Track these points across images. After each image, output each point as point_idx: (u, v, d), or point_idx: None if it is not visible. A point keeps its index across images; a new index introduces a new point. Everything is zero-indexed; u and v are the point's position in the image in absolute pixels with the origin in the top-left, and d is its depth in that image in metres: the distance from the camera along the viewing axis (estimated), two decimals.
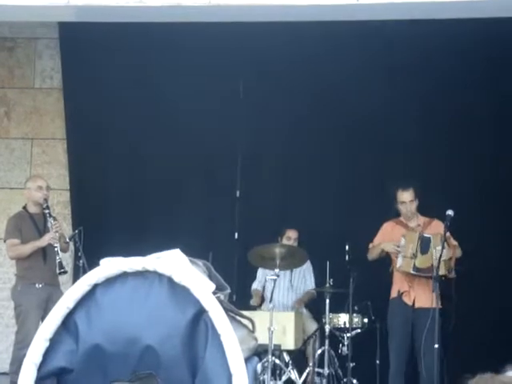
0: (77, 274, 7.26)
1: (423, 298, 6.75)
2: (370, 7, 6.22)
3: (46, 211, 7.01)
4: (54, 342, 2.51)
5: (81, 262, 6.85)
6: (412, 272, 6.82)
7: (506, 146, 8.02)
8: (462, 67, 7.98)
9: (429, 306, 6.57)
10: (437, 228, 6.84)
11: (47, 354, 2.50)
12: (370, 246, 7.19)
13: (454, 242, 6.89)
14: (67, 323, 2.53)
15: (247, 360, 2.58)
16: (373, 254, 7.14)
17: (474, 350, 7.59)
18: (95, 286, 2.56)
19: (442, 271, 6.53)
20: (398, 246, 6.89)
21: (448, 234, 6.70)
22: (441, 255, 6.47)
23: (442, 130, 8.17)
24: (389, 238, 7.06)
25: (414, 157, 8.17)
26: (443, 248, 6.51)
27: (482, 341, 7.66)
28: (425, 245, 6.79)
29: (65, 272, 6.99)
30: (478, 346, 7.62)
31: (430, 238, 6.77)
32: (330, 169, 8.35)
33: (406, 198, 7.02)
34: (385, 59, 8.06)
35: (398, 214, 7.24)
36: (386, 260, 7.22)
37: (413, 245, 6.81)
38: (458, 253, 6.90)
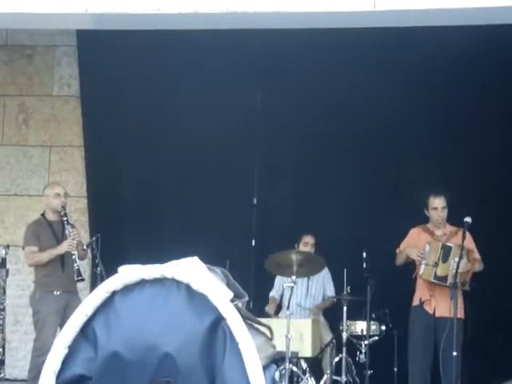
0: (94, 281, 7.28)
1: (444, 307, 6.72)
2: (386, 14, 6.21)
3: (64, 218, 7.03)
4: (73, 349, 2.52)
5: (98, 269, 6.87)
6: (432, 280, 6.80)
7: None
8: (473, 73, 7.94)
9: (449, 315, 6.55)
10: (467, 238, 6.80)
11: (66, 362, 2.50)
12: (397, 251, 7.17)
13: (477, 256, 6.85)
14: (86, 330, 2.53)
15: (265, 368, 2.57)
16: (399, 259, 7.13)
17: (491, 359, 7.54)
18: (114, 294, 2.56)
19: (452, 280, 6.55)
20: (422, 253, 6.87)
21: (473, 246, 6.70)
22: (458, 266, 6.45)
23: (457, 134, 8.13)
24: (414, 244, 7.04)
25: (429, 162, 8.14)
26: (461, 258, 6.48)
27: (498, 351, 7.60)
28: (446, 253, 6.78)
29: (82, 279, 7.00)
30: (495, 356, 7.57)
31: (451, 247, 6.75)
32: (346, 176, 8.33)
33: (439, 204, 7.01)
34: (399, 66, 8.04)
35: (423, 222, 7.20)
36: (404, 267, 7.19)
37: (435, 253, 6.79)
38: (478, 267, 6.86)
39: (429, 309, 6.85)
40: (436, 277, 6.77)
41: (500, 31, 6.80)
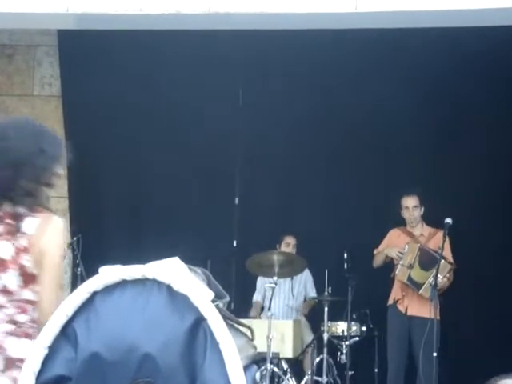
0: (75, 282, 7.26)
1: (416, 306, 6.77)
2: (368, 16, 6.23)
3: None
4: (53, 349, 2.50)
5: (79, 269, 6.87)
6: (406, 282, 6.83)
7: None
8: (464, 72, 7.97)
9: (421, 314, 6.61)
10: (440, 239, 6.81)
11: (46, 362, 2.49)
12: (375, 252, 7.20)
13: (451, 260, 6.81)
14: (66, 331, 2.52)
15: (246, 368, 2.57)
16: (377, 260, 7.15)
17: (469, 359, 7.58)
18: (94, 294, 2.55)
19: (426, 294, 6.57)
20: (402, 253, 6.88)
21: (448, 250, 6.70)
22: (435, 283, 6.45)
23: (445, 136, 8.16)
24: (394, 245, 7.06)
25: (415, 164, 8.18)
26: (438, 266, 6.48)
27: (477, 350, 7.65)
28: (426, 261, 6.74)
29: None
30: (474, 355, 7.61)
31: (435, 258, 6.66)
32: (328, 176, 8.36)
33: (410, 204, 7.02)
34: (384, 67, 8.07)
35: (403, 223, 7.23)
36: (384, 268, 7.22)
37: (412, 255, 6.80)
38: (445, 284, 6.79)
39: (401, 308, 6.90)
40: (409, 279, 6.79)
41: (485, 32, 6.83)
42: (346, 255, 7.25)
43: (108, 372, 2.48)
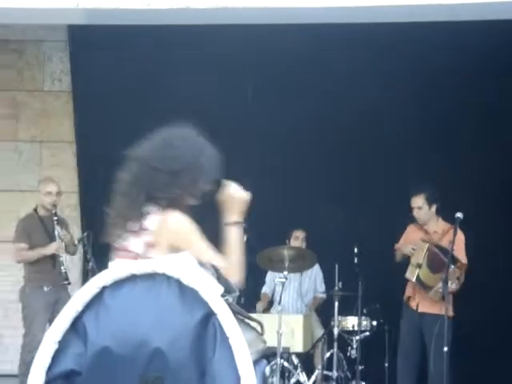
0: (85, 277, 7.28)
1: (427, 303, 6.73)
2: (380, 9, 6.21)
3: (54, 218, 7.00)
4: (63, 344, 2.51)
5: (90, 265, 6.87)
6: (414, 281, 6.79)
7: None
8: (462, 67, 7.94)
9: (432, 311, 6.59)
10: (456, 240, 6.74)
11: (56, 357, 2.50)
12: (395, 247, 7.16)
13: (463, 261, 6.70)
14: (76, 326, 2.53)
15: (256, 363, 2.57)
16: (397, 256, 7.11)
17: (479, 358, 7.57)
18: (104, 289, 2.56)
19: (436, 297, 6.56)
20: (414, 250, 6.83)
21: (462, 247, 6.63)
22: (446, 278, 6.41)
23: (454, 129, 8.14)
24: (409, 241, 7.00)
25: (425, 158, 8.15)
26: (447, 276, 6.42)
27: (487, 347, 7.63)
28: (434, 264, 6.69)
29: (69, 283, 6.97)
30: (484, 355, 7.60)
31: (444, 262, 6.62)
32: (337, 171, 8.34)
33: (414, 204, 6.94)
34: (391, 62, 8.05)
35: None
36: (395, 263, 7.19)
37: (420, 254, 6.74)
38: (454, 288, 6.72)
39: (413, 304, 6.86)
40: (418, 279, 6.74)
41: (481, 27, 6.80)
42: (356, 249, 7.23)
43: (118, 367, 2.49)
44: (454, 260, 6.53)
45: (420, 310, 6.80)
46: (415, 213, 6.93)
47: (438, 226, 6.96)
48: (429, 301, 6.69)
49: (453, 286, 6.54)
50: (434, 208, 6.92)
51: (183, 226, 2.98)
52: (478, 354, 7.61)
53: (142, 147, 3.08)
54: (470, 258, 6.82)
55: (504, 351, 7.53)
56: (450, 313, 6.58)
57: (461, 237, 6.66)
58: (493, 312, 7.75)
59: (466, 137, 8.12)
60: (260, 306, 7.87)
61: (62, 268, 6.89)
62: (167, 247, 2.85)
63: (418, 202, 6.91)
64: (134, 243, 2.90)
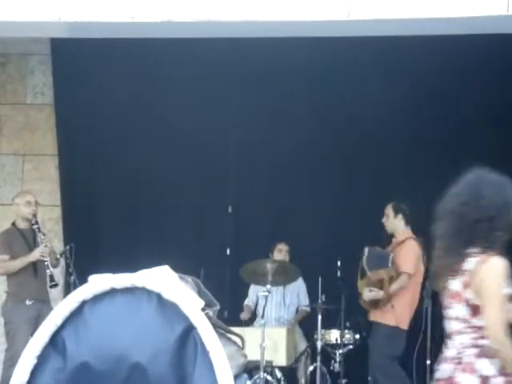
0: (68, 291, 7.23)
1: (377, 312, 6.82)
2: (360, 24, 6.23)
3: (35, 226, 7.00)
4: (42, 359, 2.50)
5: (72, 278, 6.85)
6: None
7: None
8: (461, 81, 7.95)
9: (378, 320, 6.76)
10: (402, 248, 6.83)
11: (35, 372, 2.48)
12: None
13: (404, 269, 6.77)
14: (55, 340, 2.51)
15: (236, 377, 2.56)
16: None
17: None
18: (83, 303, 2.55)
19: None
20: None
21: (407, 258, 6.71)
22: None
23: (435, 148, 8.15)
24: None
25: (405, 172, 8.16)
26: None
27: None
28: (362, 271, 6.87)
29: (56, 285, 6.97)
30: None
31: (381, 259, 6.75)
32: (321, 184, 8.34)
33: (385, 211, 7.08)
34: (377, 74, 8.07)
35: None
36: None
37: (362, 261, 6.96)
38: (395, 290, 6.75)
39: (369, 314, 6.96)
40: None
41: (475, 40, 6.84)
42: (339, 263, 7.24)
43: (97, 381, 2.48)
44: (392, 263, 6.70)
45: (371, 319, 6.89)
46: (383, 220, 7.06)
47: (399, 238, 6.99)
48: (375, 310, 6.79)
49: (371, 293, 6.64)
50: (399, 218, 6.98)
51: (492, 280, 3.16)
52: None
53: (452, 200, 3.34)
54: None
55: None
56: (392, 322, 6.63)
57: (414, 248, 6.74)
58: None
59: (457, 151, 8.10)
60: (244, 315, 7.87)
61: (48, 271, 6.88)
62: (474, 290, 3.13)
63: (386, 209, 7.03)
64: (453, 283, 3.21)
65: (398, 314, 6.63)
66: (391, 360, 6.56)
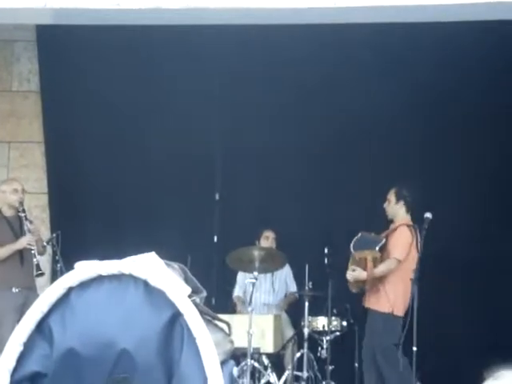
0: (54, 278, 7.21)
1: (371, 299, 6.84)
2: (346, 10, 6.23)
3: (22, 214, 6.98)
4: (28, 346, 2.49)
5: (58, 265, 6.83)
6: None
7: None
8: (450, 66, 7.96)
9: (371, 306, 6.80)
10: (395, 234, 6.84)
11: (21, 359, 2.47)
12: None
13: (394, 255, 6.78)
14: (41, 327, 2.50)
15: (223, 363, 2.56)
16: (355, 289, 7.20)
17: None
18: (70, 290, 2.54)
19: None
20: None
21: (399, 243, 6.71)
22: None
23: (421, 132, 8.17)
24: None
25: (392, 160, 8.18)
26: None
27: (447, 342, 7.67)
28: (359, 243, 6.93)
29: (42, 274, 6.95)
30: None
31: (369, 242, 6.79)
32: (308, 171, 8.36)
33: (387, 196, 7.08)
34: (364, 60, 8.08)
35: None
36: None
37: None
38: (379, 272, 6.78)
39: (364, 300, 6.97)
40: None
41: (470, 27, 6.84)
42: (326, 250, 7.25)
43: (84, 368, 2.47)
44: (381, 247, 6.72)
45: (366, 306, 6.90)
46: (384, 205, 7.05)
47: (395, 224, 6.98)
48: (373, 296, 6.79)
49: (354, 272, 6.71)
50: (400, 204, 6.97)
51: None
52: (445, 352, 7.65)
53: None
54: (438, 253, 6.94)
55: (472, 351, 7.57)
56: (386, 309, 6.65)
57: (405, 234, 6.73)
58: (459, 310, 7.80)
59: (444, 141, 8.12)
60: (239, 308, 7.87)
61: (35, 260, 6.86)
62: None
63: (389, 195, 7.03)
64: None
65: (392, 301, 6.63)
66: (392, 346, 6.56)
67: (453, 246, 7.63)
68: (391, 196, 7.02)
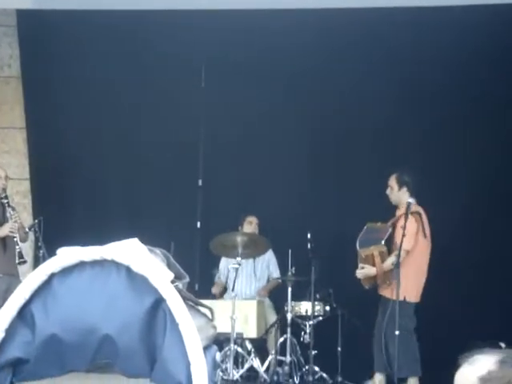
0: (37, 264, 7.18)
1: (382, 286, 6.83)
2: None
3: (5, 201, 6.94)
4: (10, 332, 2.49)
5: (41, 252, 6.81)
6: None
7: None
8: (453, 54, 7.93)
9: (384, 294, 6.72)
10: (401, 224, 6.79)
11: (3, 345, 2.47)
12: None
13: (404, 246, 6.69)
14: (23, 313, 2.50)
15: (206, 349, 2.57)
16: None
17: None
18: (52, 276, 2.54)
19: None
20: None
21: (409, 231, 6.69)
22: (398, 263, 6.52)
23: (402, 112, 8.15)
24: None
25: (375, 143, 8.18)
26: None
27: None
28: (364, 238, 6.86)
29: (24, 262, 6.93)
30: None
31: (374, 238, 6.76)
32: (290, 157, 8.35)
33: (388, 183, 7.03)
34: (344, 45, 8.05)
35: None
36: (347, 249, 7.22)
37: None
38: (388, 266, 6.70)
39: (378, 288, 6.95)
40: None
41: (466, 10, 6.81)
42: (309, 235, 7.26)
43: (67, 354, 2.47)
44: (387, 237, 6.69)
45: (380, 293, 6.88)
46: (387, 192, 7.01)
47: (400, 211, 6.90)
48: (384, 284, 6.79)
49: (363, 270, 6.70)
50: (403, 190, 6.93)
51: None
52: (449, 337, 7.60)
53: None
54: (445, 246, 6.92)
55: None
56: (403, 296, 6.64)
57: (411, 224, 6.68)
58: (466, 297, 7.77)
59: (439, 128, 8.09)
60: (214, 289, 7.89)
61: (17, 248, 6.83)
62: None
63: (390, 181, 7.00)
64: None
65: (403, 287, 6.59)
66: (408, 332, 6.57)
67: (453, 245, 7.59)
68: (393, 182, 6.96)
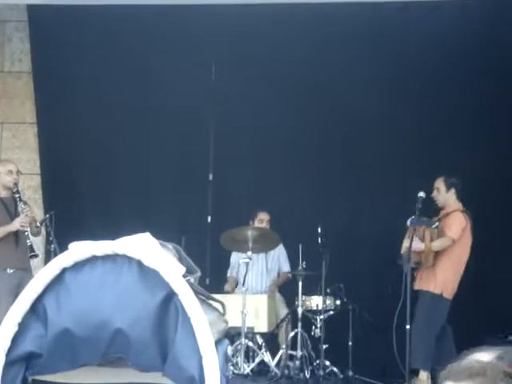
0: (48, 259, 7.21)
1: (422, 279, 6.83)
2: None
3: (17, 195, 6.96)
4: (23, 326, 2.50)
5: (52, 246, 6.82)
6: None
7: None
8: (463, 53, 7.90)
9: (419, 287, 6.77)
10: (449, 218, 6.81)
11: (16, 339, 2.48)
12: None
13: (448, 234, 6.72)
14: (36, 308, 2.51)
15: (217, 343, 2.58)
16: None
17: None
18: (64, 270, 2.55)
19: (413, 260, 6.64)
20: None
21: (454, 223, 6.67)
22: (410, 245, 6.50)
23: (409, 110, 8.13)
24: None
25: (384, 141, 8.17)
26: (412, 240, 6.54)
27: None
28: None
29: (36, 255, 6.95)
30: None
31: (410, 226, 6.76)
32: (300, 152, 8.34)
33: (435, 185, 7.04)
34: (351, 40, 8.03)
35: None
36: (357, 243, 7.21)
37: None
38: (436, 246, 6.74)
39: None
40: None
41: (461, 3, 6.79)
42: (319, 230, 7.26)
43: (79, 348, 2.48)
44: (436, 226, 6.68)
45: (415, 288, 6.87)
46: (433, 194, 7.01)
47: (445, 210, 6.91)
48: (424, 277, 6.79)
49: (414, 242, 6.58)
50: (451, 192, 6.96)
51: None
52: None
53: None
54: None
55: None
56: (436, 290, 6.65)
57: (460, 218, 6.76)
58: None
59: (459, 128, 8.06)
60: (228, 287, 7.89)
61: (28, 241, 6.85)
62: None
63: (437, 183, 7.01)
64: None
65: (440, 282, 6.60)
66: (428, 328, 6.57)
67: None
68: (440, 185, 7.00)
